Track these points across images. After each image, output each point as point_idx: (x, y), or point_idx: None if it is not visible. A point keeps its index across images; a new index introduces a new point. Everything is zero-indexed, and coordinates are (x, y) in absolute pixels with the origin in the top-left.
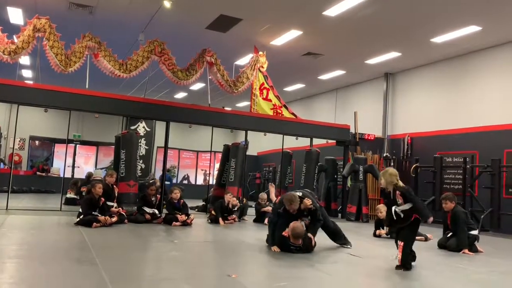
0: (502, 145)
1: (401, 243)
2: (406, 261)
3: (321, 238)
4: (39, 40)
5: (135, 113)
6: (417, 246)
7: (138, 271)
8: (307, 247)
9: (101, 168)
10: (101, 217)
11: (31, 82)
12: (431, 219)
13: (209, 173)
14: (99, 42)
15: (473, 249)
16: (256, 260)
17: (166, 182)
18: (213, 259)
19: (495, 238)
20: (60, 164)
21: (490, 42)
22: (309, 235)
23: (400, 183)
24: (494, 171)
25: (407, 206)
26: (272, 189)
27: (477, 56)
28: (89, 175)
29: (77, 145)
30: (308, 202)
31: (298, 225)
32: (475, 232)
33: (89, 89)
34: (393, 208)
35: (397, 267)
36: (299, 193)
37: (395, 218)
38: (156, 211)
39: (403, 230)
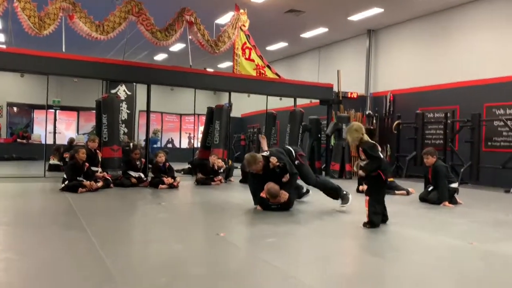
0: (482, 100)
1: (366, 198)
2: (372, 217)
3: (313, 198)
4: (10, 1)
5: (115, 77)
6: (399, 200)
7: (127, 234)
8: (286, 204)
9: (83, 134)
10: (87, 182)
11: (4, 46)
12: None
13: (194, 136)
14: (73, 3)
15: (453, 201)
16: (243, 219)
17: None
18: (201, 219)
19: (474, 190)
20: (41, 131)
21: None
22: (283, 192)
23: (365, 138)
24: (474, 126)
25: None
26: (264, 141)
27: (458, 11)
28: (71, 141)
29: (57, 111)
30: (273, 160)
31: (272, 185)
32: (455, 185)
33: (66, 53)
34: (357, 162)
35: (364, 224)
36: (266, 153)
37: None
38: (142, 175)
39: (368, 186)
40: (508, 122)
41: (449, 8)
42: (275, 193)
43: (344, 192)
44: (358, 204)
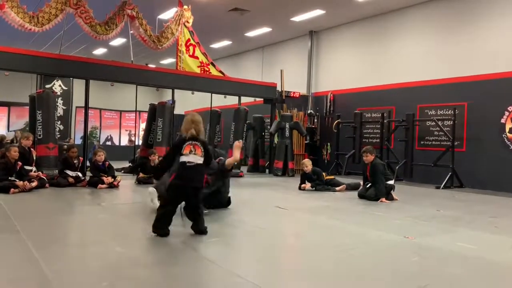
0: (416, 101)
1: None
2: (154, 222)
3: (258, 195)
4: None
5: (50, 71)
6: (339, 197)
7: (65, 236)
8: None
9: (15, 131)
10: (19, 182)
11: None
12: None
13: (134, 134)
14: None
15: (389, 198)
16: (186, 219)
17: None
18: (143, 220)
19: (408, 187)
20: None
21: (409, 1)
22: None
23: (190, 134)
24: (408, 125)
25: None
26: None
27: (395, 16)
28: (2, 138)
29: None
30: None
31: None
32: (391, 182)
33: None
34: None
35: None
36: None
37: None
38: (80, 174)
39: None
40: (439, 123)
41: (387, 12)
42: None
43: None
44: (298, 200)
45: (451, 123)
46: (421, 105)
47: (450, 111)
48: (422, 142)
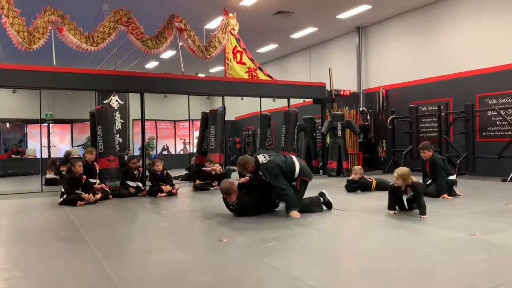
0: (474, 91)
1: None
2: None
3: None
4: None
5: (107, 87)
6: None
7: (130, 244)
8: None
9: (78, 146)
10: (85, 195)
11: None
12: None
13: (189, 142)
14: (62, 16)
15: (452, 193)
16: (245, 223)
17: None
18: (202, 226)
19: (471, 181)
20: (35, 145)
21: None
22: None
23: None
24: (468, 117)
25: None
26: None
27: (445, 3)
28: (68, 154)
29: (51, 124)
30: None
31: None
32: (452, 177)
33: (57, 66)
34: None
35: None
36: (264, 159)
37: None
38: (140, 184)
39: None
40: (502, 112)
41: (435, 1)
42: (224, 189)
43: (321, 202)
44: (354, 201)
45: None
46: (480, 95)
47: None
48: (484, 134)
